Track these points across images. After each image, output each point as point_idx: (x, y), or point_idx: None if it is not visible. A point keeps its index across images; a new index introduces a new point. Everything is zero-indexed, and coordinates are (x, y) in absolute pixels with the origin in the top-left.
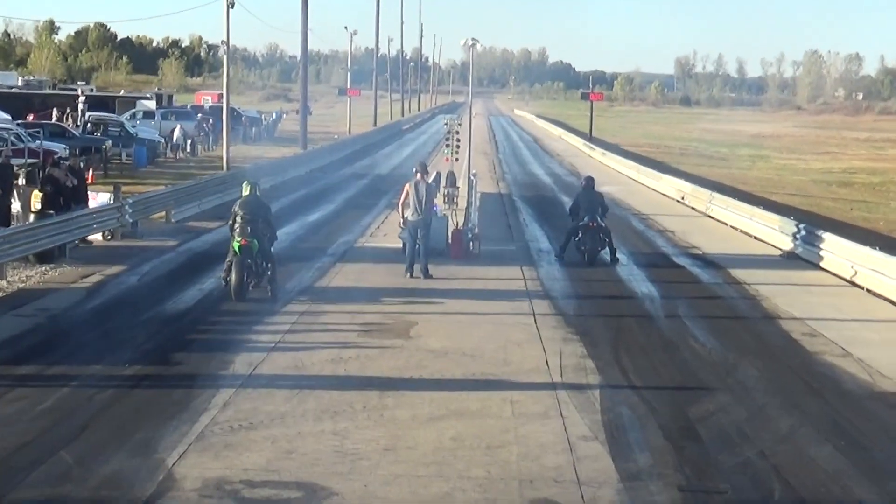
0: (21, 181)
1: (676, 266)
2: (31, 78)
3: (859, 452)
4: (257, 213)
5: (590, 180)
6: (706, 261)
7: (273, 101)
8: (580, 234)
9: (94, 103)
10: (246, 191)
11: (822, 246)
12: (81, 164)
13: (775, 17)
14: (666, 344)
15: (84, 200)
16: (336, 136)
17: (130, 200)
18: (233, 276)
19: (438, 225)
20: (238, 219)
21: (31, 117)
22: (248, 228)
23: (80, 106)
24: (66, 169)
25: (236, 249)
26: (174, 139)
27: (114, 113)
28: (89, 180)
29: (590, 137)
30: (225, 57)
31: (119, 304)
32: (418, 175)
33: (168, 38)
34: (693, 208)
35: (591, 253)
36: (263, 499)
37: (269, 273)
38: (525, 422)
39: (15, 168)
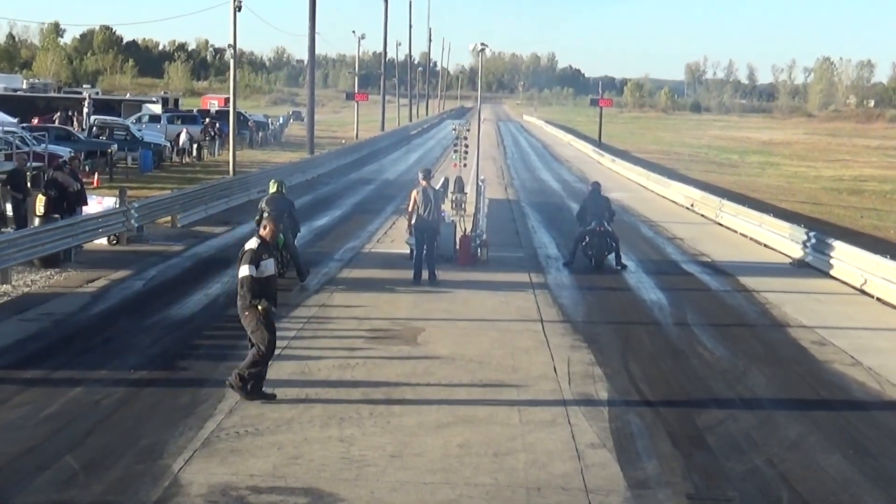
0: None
1: (685, 273)
2: (36, 81)
3: (868, 461)
4: (283, 208)
5: (596, 185)
6: (715, 268)
7: (280, 105)
8: (587, 239)
9: (100, 107)
10: (273, 188)
11: (832, 254)
12: (86, 168)
13: (787, 24)
14: (674, 351)
15: (84, 203)
16: (343, 141)
17: (136, 205)
18: None
19: (446, 231)
20: (265, 214)
21: (35, 121)
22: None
23: (86, 109)
24: (69, 172)
25: None
26: (180, 143)
27: (119, 116)
28: (95, 184)
29: (599, 143)
30: (232, 61)
31: (124, 308)
32: (423, 181)
33: (174, 42)
34: (702, 215)
35: (597, 257)
36: None
37: (295, 264)
38: (533, 429)
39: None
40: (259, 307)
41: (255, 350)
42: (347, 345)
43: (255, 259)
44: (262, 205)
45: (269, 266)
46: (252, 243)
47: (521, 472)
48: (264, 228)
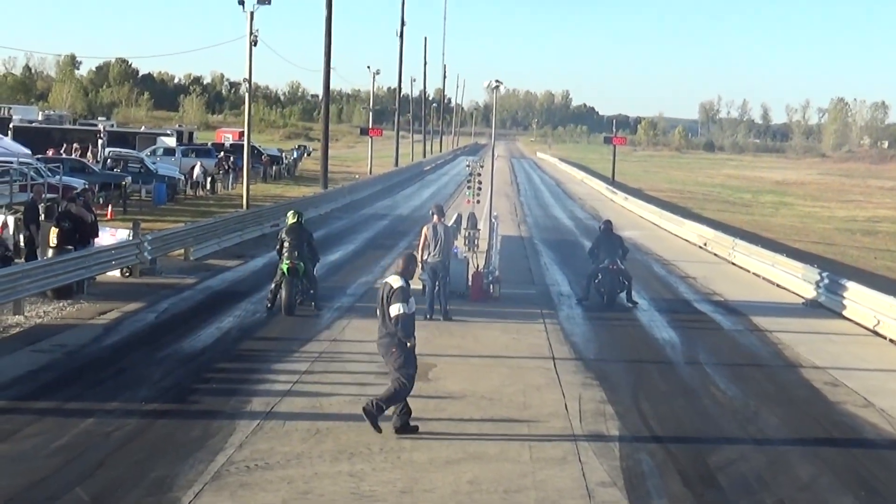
0: (41, 217)
1: (698, 312)
2: (52, 112)
3: (879, 502)
4: (302, 238)
5: (608, 223)
6: (728, 307)
7: (294, 139)
8: (600, 277)
9: (115, 139)
10: (292, 219)
11: (845, 294)
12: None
13: (801, 64)
14: (686, 390)
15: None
16: (357, 176)
17: (149, 237)
18: (283, 294)
19: (459, 267)
20: (285, 244)
21: (50, 152)
22: (295, 252)
23: (100, 141)
24: (83, 204)
25: (285, 270)
26: (194, 176)
27: (134, 149)
28: (108, 216)
29: (612, 181)
30: (247, 94)
31: (136, 341)
32: (435, 217)
33: (190, 75)
34: (715, 254)
35: (610, 295)
36: None
37: (312, 291)
38: (543, 466)
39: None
40: (408, 343)
41: (397, 384)
42: (359, 380)
43: (406, 297)
44: (283, 234)
45: (413, 303)
46: (398, 281)
47: None
48: (401, 266)
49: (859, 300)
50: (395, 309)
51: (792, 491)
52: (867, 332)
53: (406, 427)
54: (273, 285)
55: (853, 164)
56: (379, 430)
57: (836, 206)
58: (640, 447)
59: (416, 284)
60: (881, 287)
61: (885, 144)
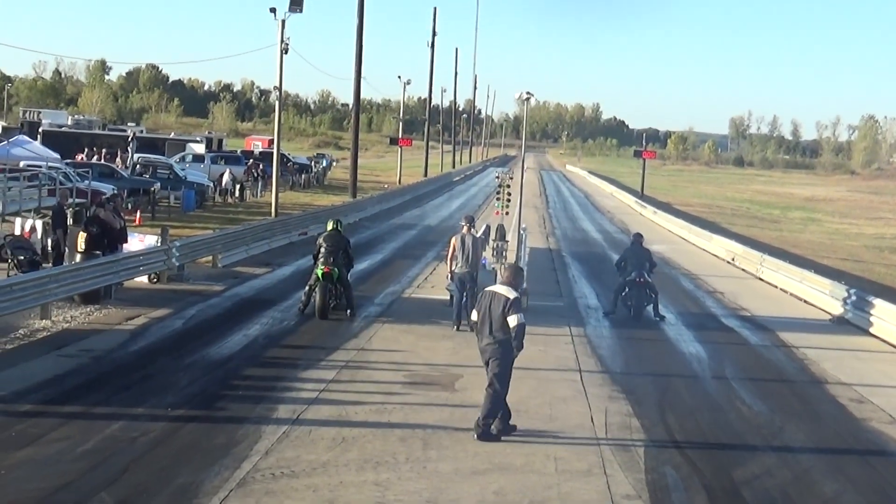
0: (69, 221)
1: (725, 327)
2: (82, 117)
3: None
4: (338, 245)
5: (638, 237)
6: (755, 323)
7: (323, 147)
8: (627, 290)
9: (144, 145)
10: (329, 226)
11: (872, 311)
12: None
13: (832, 81)
14: (712, 405)
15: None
16: (386, 186)
17: (177, 244)
18: (317, 297)
19: (486, 278)
20: (322, 249)
21: (80, 157)
22: (331, 258)
23: (130, 147)
24: (112, 209)
25: (320, 275)
26: (223, 183)
27: (163, 155)
28: (137, 222)
29: (641, 195)
30: (277, 102)
31: (163, 347)
32: (465, 228)
33: (220, 82)
34: (744, 270)
35: (637, 308)
36: None
37: (346, 297)
38: (568, 478)
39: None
40: (517, 352)
41: (493, 396)
42: (385, 389)
43: (521, 307)
44: (320, 240)
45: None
46: (511, 292)
47: None
48: (510, 277)
49: (886, 317)
50: (514, 319)
51: None
52: (894, 349)
53: (507, 429)
54: (307, 288)
55: (882, 182)
56: (499, 438)
57: (865, 224)
58: (665, 460)
59: (443, 295)
60: None
61: None
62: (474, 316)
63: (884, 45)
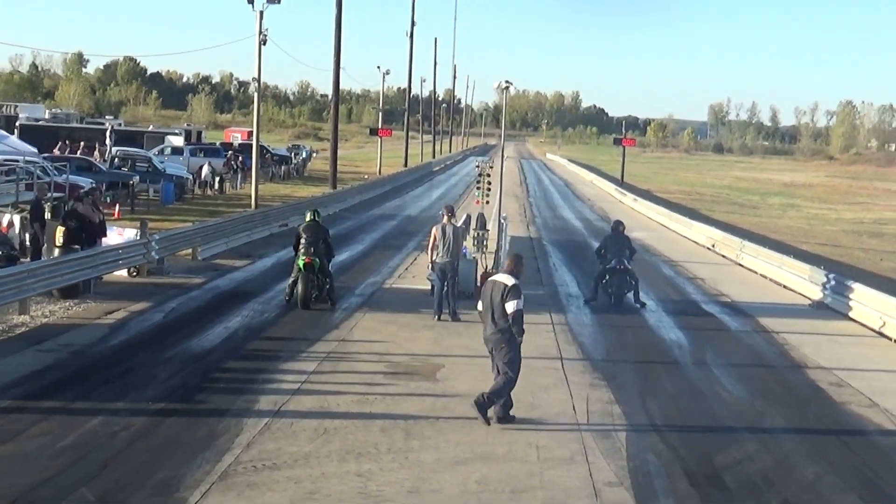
0: (47, 215)
1: (705, 313)
2: (59, 111)
3: (884, 502)
4: (318, 235)
5: (618, 224)
6: (735, 309)
7: (303, 139)
8: (607, 277)
9: (122, 138)
10: (308, 216)
11: (851, 296)
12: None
13: (810, 67)
14: (693, 391)
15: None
16: (366, 177)
17: (157, 237)
18: (299, 288)
19: (467, 268)
20: (302, 240)
21: (57, 151)
22: (311, 249)
23: (108, 140)
24: (91, 203)
25: (301, 266)
26: (202, 176)
27: (142, 148)
28: (116, 216)
29: (621, 183)
30: (256, 94)
31: (143, 340)
32: (445, 217)
33: (198, 74)
34: (724, 256)
35: (617, 295)
36: None
37: (328, 287)
38: (550, 466)
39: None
40: (519, 339)
41: (505, 379)
42: (367, 380)
43: (520, 294)
44: (300, 231)
45: (523, 300)
46: (510, 279)
47: None
48: (511, 266)
49: (865, 301)
50: (512, 306)
51: (797, 491)
52: (873, 333)
53: (507, 417)
54: (290, 280)
55: (860, 167)
56: (487, 422)
57: (843, 209)
58: (647, 447)
59: (424, 285)
60: (887, 289)
61: (893, 147)
62: (480, 306)
63: (861, 31)
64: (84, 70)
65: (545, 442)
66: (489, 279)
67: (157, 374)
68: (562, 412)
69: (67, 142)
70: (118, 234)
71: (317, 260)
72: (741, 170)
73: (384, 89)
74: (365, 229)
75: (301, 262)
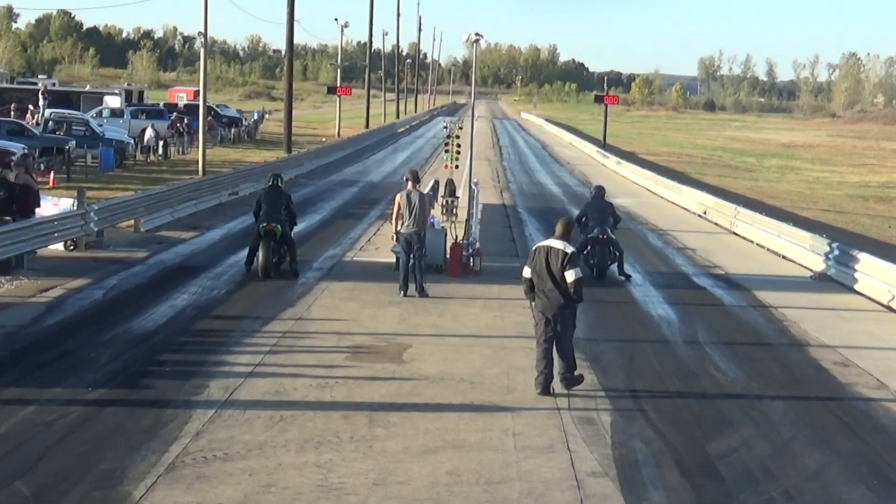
0: None
1: (697, 287)
2: None
3: (894, 492)
4: (279, 201)
5: (600, 189)
6: (730, 281)
7: (255, 98)
8: (589, 248)
9: (57, 99)
10: (270, 181)
11: (857, 267)
12: (41, 166)
13: (810, 17)
14: (684, 372)
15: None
16: (324, 140)
17: (96, 207)
18: (259, 257)
19: (435, 238)
20: (263, 206)
21: None
22: (273, 215)
23: (41, 102)
24: (24, 171)
25: (261, 233)
26: (145, 140)
27: (78, 110)
28: (50, 184)
29: (603, 145)
30: (202, 50)
31: (82, 320)
32: (409, 184)
33: (139, 29)
34: (716, 224)
35: (600, 267)
36: None
37: (289, 255)
38: (528, 456)
39: None
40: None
41: (569, 343)
42: (326, 362)
43: (578, 261)
44: (261, 197)
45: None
46: (568, 246)
47: (516, 503)
48: (563, 230)
49: (872, 273)
50: (572, 274)
51: (798, 481)
52: (881, 307)
53: (574, 379)
54: (250, 248)
55: (866, 125)
56: (581, 378)
57: (847, 171)
58: (633, 434)
59: (388, 257)
60: None
61: None
62: (527, 273)
63: None
64: (14, 25)
65: (522, 429)
66: (540, 245)
67: (98, 357)
68: (541, 397)
69: (12, 105)
70: (53, 205)
71: (278, 227)
72: (735, 129)
73: (343, 44)
74: (323, 197)
75: (262, 229)
